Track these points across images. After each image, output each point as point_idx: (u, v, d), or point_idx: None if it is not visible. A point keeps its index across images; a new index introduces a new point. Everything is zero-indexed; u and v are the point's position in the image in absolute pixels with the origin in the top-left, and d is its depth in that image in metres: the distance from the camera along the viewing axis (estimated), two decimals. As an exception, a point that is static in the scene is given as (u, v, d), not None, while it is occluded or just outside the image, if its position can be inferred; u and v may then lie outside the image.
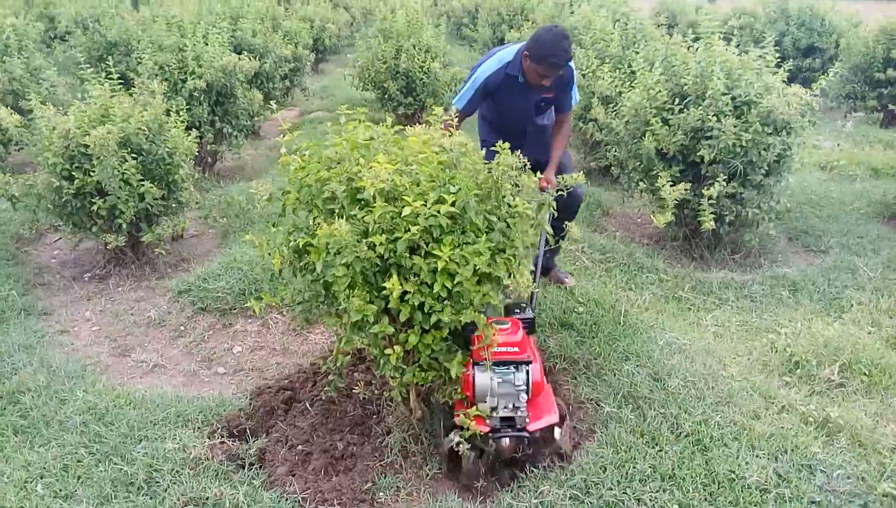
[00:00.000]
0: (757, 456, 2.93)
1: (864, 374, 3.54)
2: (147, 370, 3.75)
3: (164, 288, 4.57)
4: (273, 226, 3.00)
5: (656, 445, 2.97)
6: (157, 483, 2.66)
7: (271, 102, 8.18)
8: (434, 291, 2.63)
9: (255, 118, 7.45)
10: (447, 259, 2.58)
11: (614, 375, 3.48)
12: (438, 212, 2.61)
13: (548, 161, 3.93)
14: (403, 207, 2.58)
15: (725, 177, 4.68)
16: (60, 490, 2.66)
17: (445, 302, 2.68)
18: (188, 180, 4.96)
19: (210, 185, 6.67)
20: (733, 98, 4.74)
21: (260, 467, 2.86)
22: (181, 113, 5.12)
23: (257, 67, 7.41)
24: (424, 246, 2.68)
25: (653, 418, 3.13)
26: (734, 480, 2.78)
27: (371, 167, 2.64)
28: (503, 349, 2.79)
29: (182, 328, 4.17)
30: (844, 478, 2.84)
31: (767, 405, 3.31)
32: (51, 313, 4.34)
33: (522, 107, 3.92)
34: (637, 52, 6.09)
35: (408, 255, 2.63)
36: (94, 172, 4.41)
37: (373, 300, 2.69)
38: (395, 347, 2.78)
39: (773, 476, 2.82)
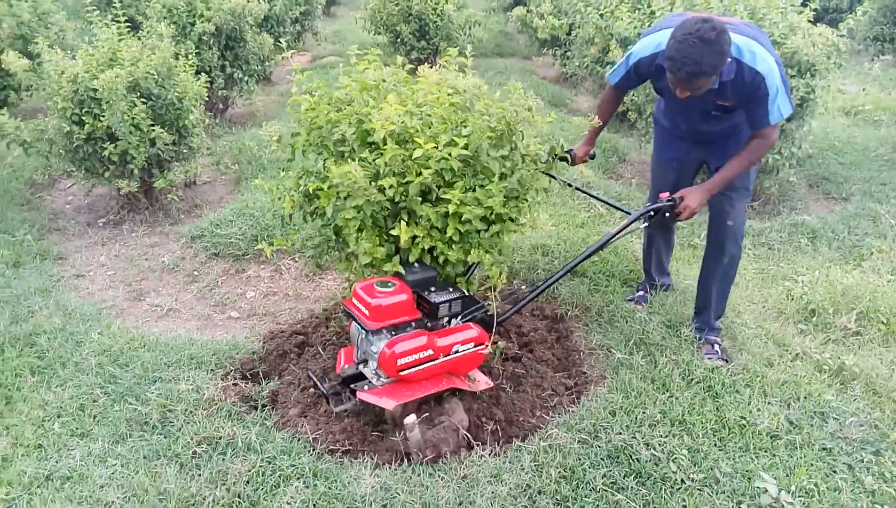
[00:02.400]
0: (769, 403, 2.92)
1: (882, 323, 3.50)
2: (161, 315, 3.77)
3: (178, 234, 4.58)
4: (283, 171, 2.97)
5: (667, 391, 2.96)
6: (170, 422, 2.70)
7: (282, 45, 8.03)
8: (447, 235, 2.60)
9: (266, 63, 7.32)
10: (458, 202, 2.54)
11: (626, 322, 3.46)
12: (450, 155, 2.56)
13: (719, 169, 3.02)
14: (414, 149, 2.53)
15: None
16: (77, 429, 2.71)
17: (456, 245, 2.65)
18: (199, 126, 4.91)
19: (221, 131, 6.62)
20: (757, 39, 4.57)
21: (272, 408, 2.90)
22: (190, 57, 5.04)
23: (267, 9, 7.26)
24: (436, 190, 2.64)
25: (664, 364, 3.12)
26: (745, 426, 2.77)
27: (381, 109, 2.58)
28: (355, 303, 2.54)
29: (196, 273, 4.18)
30: (857, 426, 2.82)
31: (781, 353, 3.28)
32: (66, 258, 4.37)
33: (684, 109, 3.13)
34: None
35: (419, 200, 2.59)
36: (104, 116, 4.38)
37: (382, 244, 2.67)
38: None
39: (784, 422, 2.81)
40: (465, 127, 2.65)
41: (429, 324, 2.63)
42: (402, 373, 2.51)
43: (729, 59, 2.67)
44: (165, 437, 2.64)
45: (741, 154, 2.93)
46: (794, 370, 3.14)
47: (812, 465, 2.60)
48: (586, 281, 3.83)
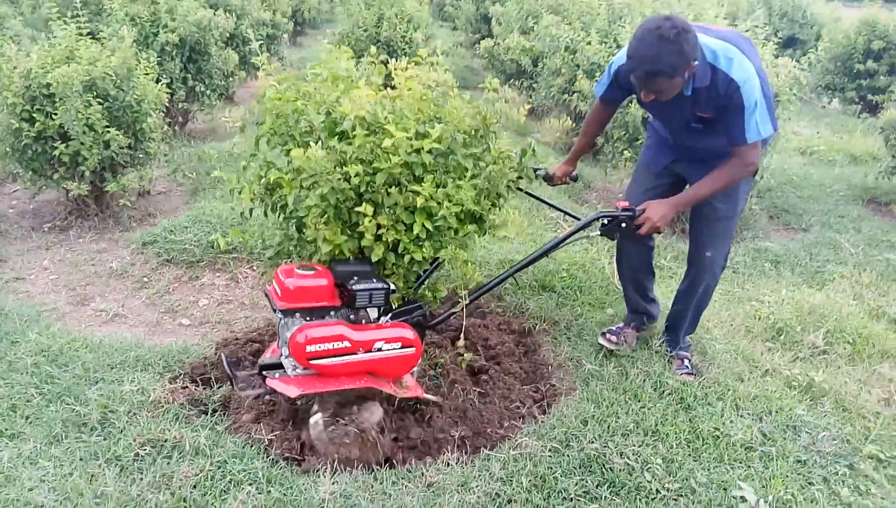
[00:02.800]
0: (741, 416, 2.85)
1: (849, 342, 3.49)
2: (106, 319, 3.54)
3: (128, 240, 4.36)
4: (244, 164, 2.83)
5: (639, 401, 2.87)
6: (111, 423, 2.49)
7: (247, 62, 7.91)
8: (414, 232, 2.48)
9: (230, 79, 7.19)
10: (427, 196, 2.43)
11: (596, 335, 3.37)
12: (422, 148, 2.46)
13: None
14: (384, 138, 2.42)
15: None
16: (6, 430, 2.46)
17: (422, 243, 2.53)
18: (157, 130, 4.73)
19: (180, 144, 6.43)
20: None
21: (224, 413, 2.70)
22: (151, 61, 4.89)
23: (233, 27, 7.17)
24: (406, 184, 2.53)
25: (635, 376, 3.03)
26: (718, 437, 2.69)
27: (351, 96, 2.48)
28: (273, 286, 2.43)
29: (146, 279, 3.96)
30: (830, 439, 2.77)
31: (751, 369, 3.24)
32: (5, 261, 4.10)
33: (665, 119, 2.97)
34: (623, 27, 5.99)
35: (385, 191, 2.48)
36: (56, 114, 4.18)
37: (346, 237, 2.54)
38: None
39: (757, 434, 2.74)
40: (439, 122, 2.57)
41: (351, 317, 2.48)
42: (312, 362, 2.32)
43: (697, 62, 2.49)
44: (105, 439, 2.42)
45: (714, 172, 2.68)
46: (764, 385, 3.10)
47: (787, 476, 2.53)
48: (554, 296, 3.75)
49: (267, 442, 2.49)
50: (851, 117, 9.71)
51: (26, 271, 4.00)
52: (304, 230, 2.71)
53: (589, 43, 6.14)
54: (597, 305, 3.65)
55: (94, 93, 4.31)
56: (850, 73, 9.63)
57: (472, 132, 2.71)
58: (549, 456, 2.52)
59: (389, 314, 2.57)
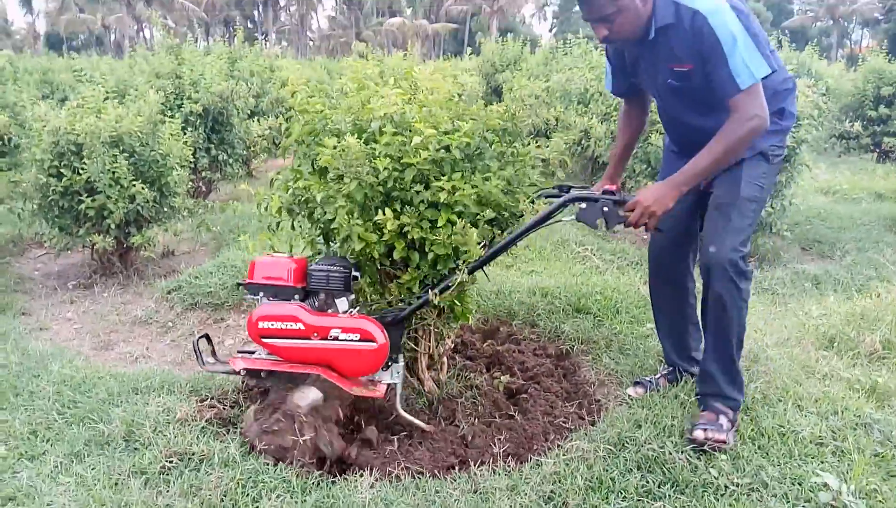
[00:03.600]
0: (805, 416, 2.65)
1: (907, 346, 3.29)
2: (131, 361, 3.45)
3: (153, 290, 4.31)
4: (273, 176, 2.81)
5: (694, 405, 2.68)
6: (136, 439, 2.34)
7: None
8: (438, 225, 2.40)
9: (251, 148, 7.34)
10: (450, 190, 2.36)
11: (640, 349, 3.21)
12: (450, 145, 2.43)
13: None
14: (412, 136, 2.40)
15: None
16: (26, 452, 2.33)
17: (444, 232, 2.43)
18: (181, 185, 4.78)
19: (204, 212, 6.49)
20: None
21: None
22: (176, 120, 5.00)
23: (253, 105, 7.41)
24: (433, 181, 2.48)
25: (686, 381, 2.85)
26: (785, 434, 2.48)
27: (381, 94, 2.48)
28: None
29: (170, 324, 3.89)
30: (905, 436, 2.55)
31: (808, 375, 3.04)
32: (29, 314, 4.07)
33: (651, 84, 2.56)
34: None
35: (412, 188, 2.42)
36: (83, 169, 4.24)
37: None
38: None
39: (826, 431, 2.53)
40: (467, 119, 2.55)
41: (316, 304, 2.43)
42: (264, 340, 2.34)
43: None
44: (130, 454, 2.28)
45: (717, 138, 2.22)
46: (825, 387, 2.89)
47: (867, 469, 2.30)
48: (590, 317, 3.61)
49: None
50: (869, 162, 9.69)
51: (50, 322, 3.95)
52: (332, 237, 2.66)
53: (601, 93, 6.24)
54: (635, 322, 3.50)
55: (121, 148, 4.39)
56: (863, 119, 9.67)
57: (501, 131, 2.68)
58: (604, 458, 2.33)
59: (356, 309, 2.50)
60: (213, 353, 2.62)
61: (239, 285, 2.55)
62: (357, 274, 2.49)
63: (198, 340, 2.54)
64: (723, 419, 2.40)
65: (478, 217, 2.46)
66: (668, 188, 2.27)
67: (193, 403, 2.64)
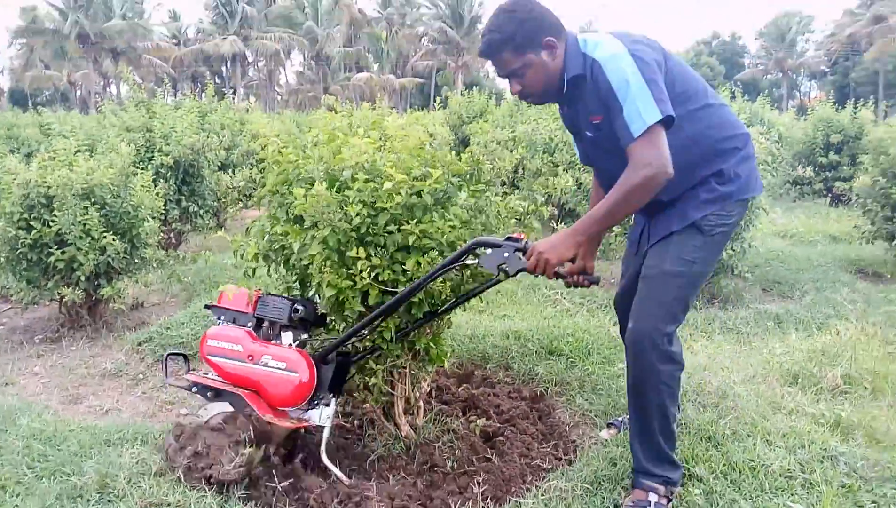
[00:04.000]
0: (774, 450, 2.72)
1: (868, 380, 3.41)
2: (100, 413, 3.39)
3: (122, 342, 4.26)
4: (249, 225, 2.85)
5: (667, 441, 2.73)
6: (111, 491, 2.30)
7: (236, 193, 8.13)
8: (407, 268, 2.46)
9: (222, 200, 7.36)
10: (418, 233, 2.43)
11: (612, 389, 3.27)
12: (422, 190, 2.51)
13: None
14: (383, 182, 2.47)
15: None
16: (-6, 509, 2.28)
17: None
18: (153, 236, 4.78)
19: (175, 264, 6.45)
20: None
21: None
22: (148, 171, 5.02)
23: (224, 157, 7.46)
24: (407, 225, 2.54)
25: (659, 419, 2.91)
26: (756, 468, 2.55)
27: (351, 144, 2.56)
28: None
29: (141, 376, 3.84)
30: (871, 467, 2.63)
31: (774, 410, 3.12)
32: (-6, 370, 3.97)
33: (577, 138, 2.55)
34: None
35: (384, 232, 2.49)
36: (53, 221, 4.22)
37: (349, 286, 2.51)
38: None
39: (795, 464, 2.60)
40: (436, 166, 2.64)
41: (260, 333, 2.59)
42: (209, 357, 2.54)
43: (554, 39, 2.25)
44: (104, 506, 2.24)
45: (614, 189, 2.13)
46: (791, 422, 2.98)
47: (835, 500, 2.37)
48: (563, 359, 3.67)
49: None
50: (822, 207, 10.07)
51: (17, 377, 3.87)
52: (308, 282, 2.70)
53: (565, 143, 6.44)
54: (606, 362, 3.57)
55: (92, 200, 4.39)
56: (814, 166, 10.09)
57: (468, 176, 2.77)
58: (582, 496, 2.37)
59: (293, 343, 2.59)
60: (188, 371, 2.73)
61: (207, 306, 2.73)
62: (300, 308, 2.57)
63: (167, 356, 2.82)
64: (652, 497, 2.28)
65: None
66: (564, 237, 2.18)
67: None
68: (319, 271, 2.43)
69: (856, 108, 10.23)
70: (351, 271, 2.45)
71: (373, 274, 2.43)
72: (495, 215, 2.80)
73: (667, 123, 2.10)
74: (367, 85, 41.80)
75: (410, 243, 2.44)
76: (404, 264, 2.47)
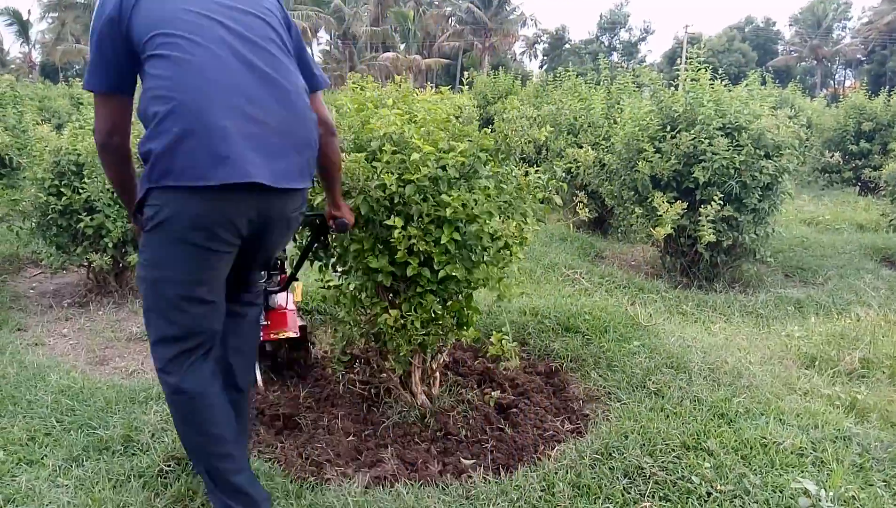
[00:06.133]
0: (787, 428, 2.73)
1: (886, 365, 3.39)
2: (126, 375, 3.48)
3: (148, 308, 4.36)
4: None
5: (679, 417, 2.76)
6: (135, 444, 2.39)
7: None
8: (441, 242, 2.50)
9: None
10: (456, 206, 2.46)
11: (627, 366, 3.29)
12: (447, 164, 2.53)
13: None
14: (411, 154, 2.50)
15: (721, 198, 4.69)
16: (24, 457, 2.37)
17: (454, 257, 2.54)
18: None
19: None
20: (723, 126, 4.84)
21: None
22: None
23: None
24: (432, 198, 2.58)
25: (672, 395, 2.93)
26: (767, 445, 2.56)
27: (380, 114, 2.59)
28: None
29: (165, 340, 3.93)
30: (884, 448, 2.63)
31: (789, 391, 3.13)
32: (24, 330, 4.09)
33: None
34: (621, 110, 6.25)
35: (415, 202, 2.52)
36: (83, 189, 4.31)
37: (377, 254, 2.56)
38: (391, 311, 2.63)
39: (807, 442, 2.61)
40: (463, 138, 2.66)
41: None
42: None
43: None
44: (128, 458, 2.33)
45: None
46: (806, 402, 2.98)
47: (846, 478, 2.38)
48: (579, 336, 3.69)
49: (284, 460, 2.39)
50: (851, 195, 9.90)
51: (46, 338, 3.98)
52: (333, 251, 2.76)
53: (590, 124, 6.42)
54: (622, 339, 3.58)
55: (121, 168, 4.47)
56: (844, 154, 9.91)
57: (494, 151, 2.79)
58: (591, 466, 2.40)
59: None
60: None
61: None
62: None
63: None
64: None
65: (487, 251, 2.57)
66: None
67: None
68: (350, 237, 2.48)
69: (889, 95, 10.01)
70: (384, 242, 2.51)
71: (410, 248, 2.47)
72: (515, 188, 2.82)
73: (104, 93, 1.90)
74: (392, 65, 41.66)
75: (447, 215, 2.46)
76: (439, 239, 2.50)
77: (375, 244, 2.59)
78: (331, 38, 51.38)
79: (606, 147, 5.81)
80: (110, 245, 4.43)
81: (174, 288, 1.86)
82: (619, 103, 7.10)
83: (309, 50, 2.28)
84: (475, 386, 3.29)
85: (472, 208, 2.53)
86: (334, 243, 2.70)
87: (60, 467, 2.29)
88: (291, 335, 2.95)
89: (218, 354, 2.01)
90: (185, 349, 1.89)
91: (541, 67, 59.18)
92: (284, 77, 1.95)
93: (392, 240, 2.45)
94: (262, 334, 2.77)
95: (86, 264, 4.60)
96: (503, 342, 2.73)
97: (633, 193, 5.20)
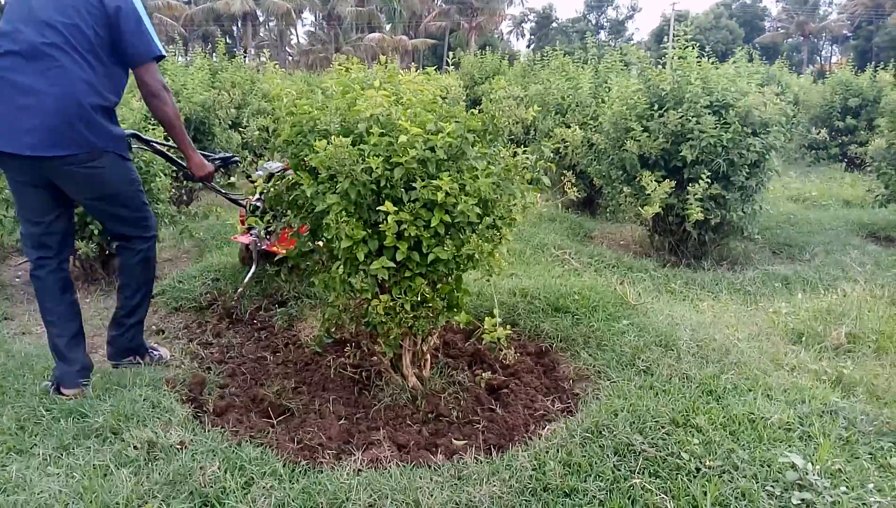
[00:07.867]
0: (774, 404, 2.76)
1: (872, 339, 3.43)
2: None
3: (136, 294, 4.32)
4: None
5: (668, 395, 2.78)
6: (124, 431, 2.38)
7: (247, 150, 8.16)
8: (431, 225, 2.49)
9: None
10: (447, 190, 2.45)
11: (617, 345, 3.31)
12: (435, 145, 2.51)
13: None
14: (398, 136, 2.48)
15: (709, 176, 4.70)
16: (15, 446, 2.36)
17: (442, 239, 2.54)
18: (164, 192, 4.81)
19: (186, 221, 6.50)
20: (711, 103, 4.83)
21: (239, 419, 2.61)
22: (158, 126, 5.03)
23: (235, 114, 7.46)
24: (421, 181, 2.56)
25: (661, 373, 2.96)
26: (755, 421, 2.59)
27: (367, 96, 2.56)
28: None
29: (154, 327, 3.91)
30: (870, 422, 2.67)
31: (777, 367, 3.16)
32: (11, 319, 4.06)
33: None
34: (608, 88, 6.22)
35: (403, 186, 2.51)
36: (66, 175, 4.25)
37: (366, 240, 2.54)
38: (381, 296, 2.62)
39: (794, 417, 2.64)
40: (449, 122, 2.64)
41: None
42: None
43: None
44: (117, 445, 2.32)
45: None
46: (793, 378, 3.01)
47: (832, 451, 2.41)
48: (568, 316, 3.71)
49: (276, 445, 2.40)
50: (837, 172, 9.95)
51: (33, 326, 3.95)
52: (320, 230, 2.73)
53: (578, 104, 6.39)
54: (611, 319, 3.60)
55: (104, 154, 4.41)
56: (830, 130, 9.95)
57: (482, 132, 2.78)
58: (581, 444, 2.42)
59: None
60: None
61: None
62: None
63: None
64: None
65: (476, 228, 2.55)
66: None
67: (182, 398, 2.68)
68: (336, 221, 2.46)
69: (875, 71, 10.03)
70: (372, 226, 2.49)
71: (399, 232, 2.46)
72: (503, 169, 2.80)
73: None
74: (378, 46, 41.30)
75: (438, 200, 2.44)
76: (429, 222, 2.49)
77: (366, 237, 2.55)
78: (315, 20, 50.84)
79: (594, 127, 5.80)
80: (96, 232, 4.38)
81: None
82: (606, 82, 7.07)
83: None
84: (466, 367, 3.30)
85: (464, 191, 2.51)
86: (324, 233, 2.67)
87: (51, 456, 2.28)
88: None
89: None
90: None
91: (528, 46, 58.92)
92: None
93: (381, 224, 2.44)
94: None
95: (72, 251, 4.54)
96: (497, 328, 2.72)
97: (621, 172, 5.20)
